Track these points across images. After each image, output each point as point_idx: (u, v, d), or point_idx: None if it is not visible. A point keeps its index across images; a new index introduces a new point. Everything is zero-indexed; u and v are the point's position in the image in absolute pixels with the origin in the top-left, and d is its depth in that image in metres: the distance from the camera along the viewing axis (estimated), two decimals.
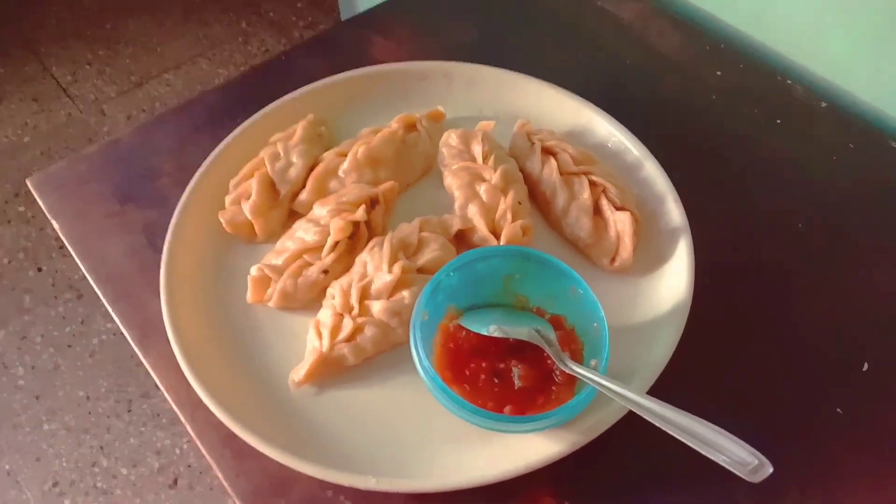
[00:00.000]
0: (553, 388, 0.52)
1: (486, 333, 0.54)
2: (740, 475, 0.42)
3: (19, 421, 1.48)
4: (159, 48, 2.17)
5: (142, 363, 0.62)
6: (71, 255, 0.68)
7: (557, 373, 0.53)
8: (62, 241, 1.80)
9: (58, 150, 1.91)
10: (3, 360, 1.56)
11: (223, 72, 2.11)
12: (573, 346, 0.54)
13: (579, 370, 0.51)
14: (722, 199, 0.69)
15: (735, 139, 0.75)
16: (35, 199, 0.73)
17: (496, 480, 0.50)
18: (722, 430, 0.43)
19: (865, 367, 0.59)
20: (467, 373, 0.53)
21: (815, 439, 0.56)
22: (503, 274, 0.57)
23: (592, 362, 0.52)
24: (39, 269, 1.70)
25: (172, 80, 2.09)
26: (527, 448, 0.52)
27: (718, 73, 0.80)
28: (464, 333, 0.55)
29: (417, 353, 0.52)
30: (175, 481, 1.41)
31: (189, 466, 1.43)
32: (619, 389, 0.48)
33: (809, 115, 0.76)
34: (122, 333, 0.63)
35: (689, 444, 0.44)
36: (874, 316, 0.62)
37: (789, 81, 0.79)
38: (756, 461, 0.41)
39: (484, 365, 0.53)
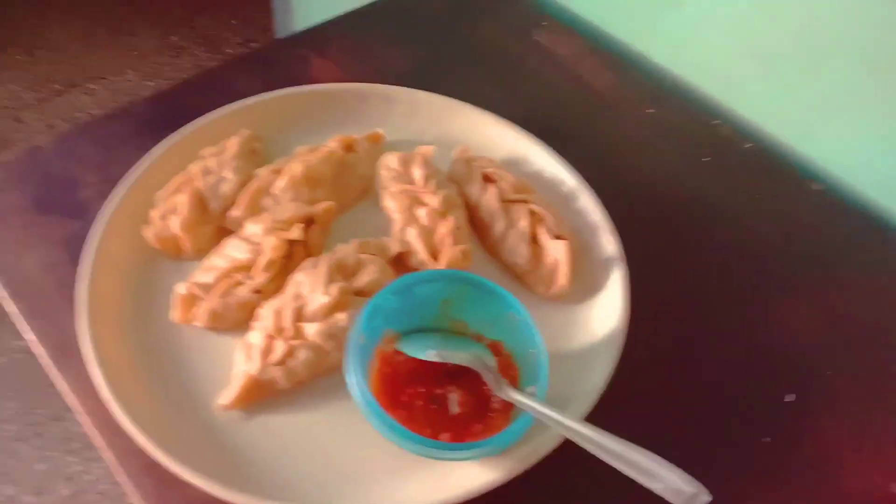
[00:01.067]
0: (490, 414, 0.52)
1: (424, 358, 0.53)
2: None
3: None
4: (85, 57, 2.10)
5: (52, 385, 0.58)
6: None
7: (495, 399, 0.52)
8: None
9: None
10: None
11: (151, 84, 2.05)
12: (510, 372, 0.54)
13: (517, 397, 0.51)
14: (653, 232, 0.70)
15: (666, 175, 0.77)
16: None
17: None
18: (659, 458, 0.44)
19: (793, 397, 0.61)
20: (404, 399, 0.52)
21: (745, 468, 0.57)
22: (442, 298, 0.57)
23: (530, 389, 0.52)
24: None
25: (98, 90, 2.02)
26: (464, 476, 0.51)
27: (650, 110, 0.82)
28: (401, 358, 0.54)
29: (354, 378, 0.51)
30: None
31: (101, 493, 1.36)
32: (556, 416, 0.48)
33: (735, 155, 0.80)
34: (32, 353, 0.60)
35: (625, 472, 0.44)
36: (798, 347, 0.65)
37: (716, 121, 0.82)
38: (693, 490, 0.42)
39: (421, 391, 0.52)
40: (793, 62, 0.77)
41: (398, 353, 0.54)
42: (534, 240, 0.64)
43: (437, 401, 0.52)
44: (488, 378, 0.52)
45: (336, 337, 0.55)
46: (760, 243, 0.72)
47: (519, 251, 0.63)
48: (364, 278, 0.59)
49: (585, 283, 0.63)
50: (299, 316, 0.57)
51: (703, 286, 0.68)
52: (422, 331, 0.57)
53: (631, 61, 0.90)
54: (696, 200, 0.75)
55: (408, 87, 0.75)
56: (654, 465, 0.43)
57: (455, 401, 0.52)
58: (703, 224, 0.73)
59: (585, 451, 0.47)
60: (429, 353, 0.54)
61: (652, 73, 0.88)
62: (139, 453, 0.51)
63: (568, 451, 0.50)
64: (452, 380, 0.53)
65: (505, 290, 0.55)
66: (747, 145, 0.80)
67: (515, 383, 0.54)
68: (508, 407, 0.52)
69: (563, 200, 0.68)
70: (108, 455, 0.54)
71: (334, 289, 0.57)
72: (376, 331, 0.55)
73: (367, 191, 0.69)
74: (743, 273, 0.69)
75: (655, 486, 0.43)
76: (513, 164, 0.71)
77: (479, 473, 0.51)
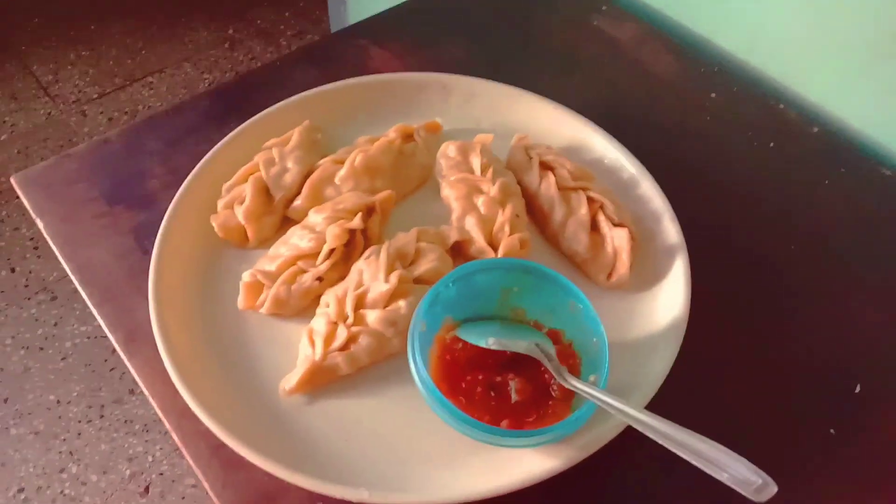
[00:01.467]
0: (550, 402, 0.52)
1: (484, 346, 0.53)
2: (745, 494, 0.42)
3: None
4: (144, 51, 2.15)
5: (115, 368, 0.60)
6: (45, 257, 0.67)
7: (555, 387, 0.52)
8: (37, 242, 1.77)
9: (36, 150, 1.88)
10: None
11: (208, 77, 2.09)
12: (571, 360, 0.54)
13: (579, 385, 0.50)
14: (716, 219, 0.69)
15: (729, 161, 0.75)
16: (9, 199, 0.71)
17: (491, 496, 0.49)
18: (724, 448, 0.43)
19: (858, 388, 0.59)
20: (463, 385, 0.52)
21: (810, 459, 0.56)
22: (501, 286, 0.57)
23: (591, 378, 0.52)
24: (13, 270, 1.66)
25: (156, 83, 2.07)
26: (522, 463, 0.51)
27: (712, 95, 0.81)
28: (460, 345, 0.54)
29: (415, 365, 0.51)
30: (146, 489, 1.38)
31: (161, 474, 1.40)
32: (619, 405, 0.48)
33: (801, 140, 0.77)
34: (95, 337, 0.62)
35: (691, 461, 0.43)
36: (866, 339, 0.63)
37: (782, 106, 0.80)
38: (760, 480, 0.41)
39: (480, 378, 0.52)
40: (864, 43, 0.74)
41: (457, 340, 0.54)
42: (594, 228, 0.63)
43: (497, 388, 0.52)
44: (549, 366, 0.52)
45: (396, 324, 0.56)
46: (829, 232, 0.70)
47: (578, 239, 0.62)
48: (423, 266, 0.59)
49: (646, 272, 0.63)
50: (361, 303, 0.57)
51: (769, 276, 0.67)
52: (481, 319, 0.57)
53: (693, 45, 0.88)
54: (761, 187, 0.73)
55: (466, 75, 0.75)
56: (719, 455, 0.43)
57: (514, 388, 0.52)
58: (769, 211, 0.71)
59: (647, 440, 0.46)
60: (489, 340, 0.54)
61: (714, 57, 0.86)
62: (206, 435, 0.53)
63: (628, 441, 0.50)
64: (512, 368, 0.53)
65: (565, 279, 0.55)
66: (814, 130, 0.78)
67: (576, 372, 0.53)
68: (569, 395, 0.52)
69: (623, 188, 0.68)
70: (175, 437, 0.55)
71: (394, 277, 0.57)
72: (436, 318, 0.55)
73: (426, 180, 0.69)
74: (811, 263, 0.67)
75: (722, 476, 0.42)
76: (572, 152, 0.70)
77: (539, 461, 0.51)
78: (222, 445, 0.52)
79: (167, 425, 0.56)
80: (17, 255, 1.68)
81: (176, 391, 0.54)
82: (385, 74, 0.76)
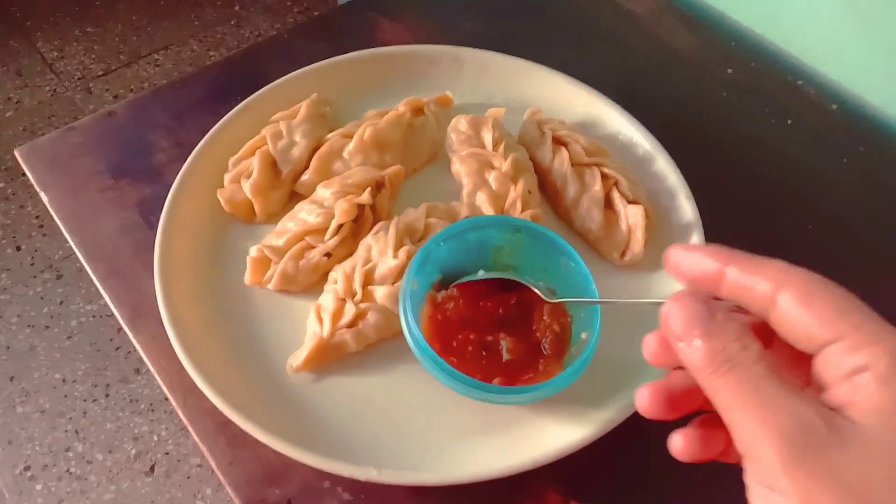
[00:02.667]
0: (541, 360, 0.51)
1: (476, 278, 0.54)
2: None
3: None
4: (150, 28, 2.13)
5: (121, 347, 0.60)
6: (51, 235, 0.66)
7: (546, 346, 0.51)
8: (42, 220, 1.76)
9: (41, 127, 1.87)
10: None
11: (214, 54, 2.07)
12: (562, 318, 0.52)
13: (569, 299, 0.51)
14: (732, 197, 0.68)
15: (746, 138, 0.74)
16: (16, 175, 0.70)
17: (501, 475, 0.49)
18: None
19: None
20: (455, 344, 0.51)
21: None
22: (493, 245, 0.56)
23: (583, 335, 0.51)
24: (18, 248, 1.65)
25: (162, 60, 2.05)
26: (533, 443, 0.50)
27: (729, 70, 0.79)
28: (451, 304, 0.53)
29: (407, 323, 0.50)
30: (152, 468, 1.38)
31: (167, 454, 1.40)
32: (610, 299, 0.49)
33: (820, 117, 0.76)
34: (101, 316, 0.61)
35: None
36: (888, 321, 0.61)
37: (800, 82, 0.78)
38: None
39: (472, 337, 0.51)
40: (886, 19, 0.72)
41: (449, 300, 0.53)
42: (607, 205, 0.62)
43: (489, 347, 0.51)
44: (539, 289, 0.52)
45: None
46: (848, 211, 0.68)
47: (592, 216, 0.61)
48: None
49: (661, 250, 0.60)
50: (369, 279, 0.56)
51: (786, 256, 0.65)
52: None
53: (710, 20, 0.86)
54: (779, 165, 0.72)
55: (478, 48, 0.73)
56: None
57: (506, 347, 0.51)
58: (786, 190, 0.70)
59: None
60: (479, 272, 0.54)
61: (732, 32, 0.84)
62: (212, 412, 0.52)
63: (642, 423, 0.49)
64: (503, 327, 0.52)
65: (557, 237, 0.54)
66: (833, 107, 0.76)
67: (567, 330, 0.53)
68: (560, 353, 0.51)
69: (638, 164, 0.66)
70: (181, 414, 0.55)
71: (402, 253, 0.56)
72: (428, 277, 0.54)
73: (437, 154, 0.68)
74: (829, 243, 0.66)
75: None
76: (586, 127, 0.69)
77: (550, 441, 0.50)
78: (228, 423, 0.51)
79: (173, 402, 0.55)
80: (23, 232, 1.67)
81: (182, 368, 0.53)
82: (395, 47, 0.74)
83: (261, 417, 0.51)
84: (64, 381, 1.48)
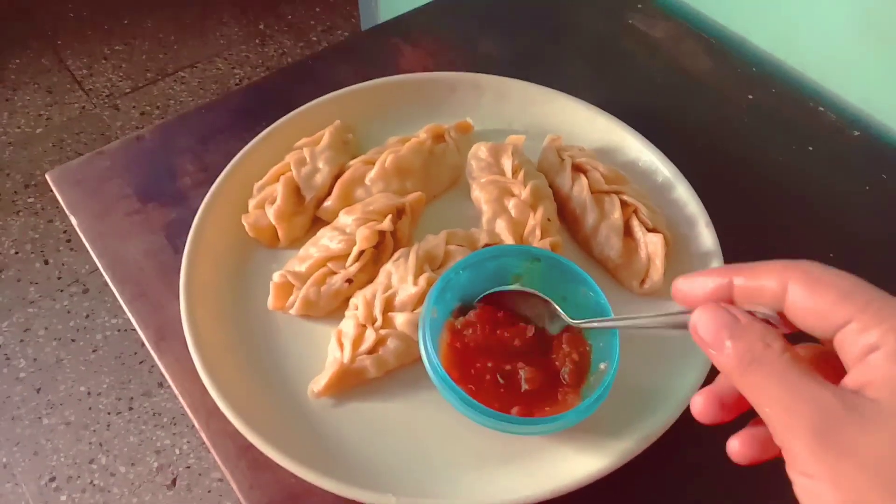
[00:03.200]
0: (560, 390, 0.51)
1: (502, 289, 0.54)
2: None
3: (19, 414, 1.47)
4: (176, 45, 2.17)
5: (145, 361, 0.61)
6: (78, 249, 0.68)
7: (565, 375, 0.51)
8: (70, 235, 1.80)
9: (70, 143, 1.91)
10: (5, 352, 1.55)
11: (239, 72, 2.11)
12: (581, 348, 0.53)
13: (592, 324, 0.50)
14: (752, 225, 0.68)
15: (766, 165, 0.74)
16: (44, 191, 0.72)
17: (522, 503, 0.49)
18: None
19: None
20: (473, 372, 0.51)
21: None
22: (512, 273, 0.56)
23: (601, 365, 0.51)
24: (46, 262, 1.69)
25: (188, 77, 2.08)
26: (553, 472, 0.50)
27: (750, 96, 0.79)
28: (470, 332, 0.53)
29: (426, 351, 0.50)
30: (174, 482, 1.40)
31: (188, 467, 1.41)
32: (629, 321, 0.47)
33: (841, 144, 0.75)
34: (126, 330, 0.63)
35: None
36: None
37: (821, 108, 0.78)
38: None
39: (490, 365, 0.51)
40: None
41: (468, 326, 0.53)
42: (627, 232, 0.62)
43: (507, 376, 0.51)
44: (561, 309, 0.53)
45: None
46: (871, 242, 0.68)
47: (611, 244, 0.61)
48: None
49: None
50: (389, 306, 0.57)
51: None
52: None
53: (730, 45, 0.86)
54: (800, 193, 0.71)
55: (497, 71, 0.74)
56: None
57: (525, 377, 0.51)
58: (808, 218, 0.70)
59: (677, 450, 0.45)
60: (515, 285, 0.55)
61: (752, 57, 0.84)
62: (234, 435, 0.53)
63: (663, 452, 0.49)
64: (522, 356, 0.52)
65: (577, 266, 0.55)
66: (855, 133, 0.76)
67: (586, 359, 0.53)
68: (579, 383, 0.51)
69: (657, 191, 0.66)
70: (203, 436, 0.56)
71: (423, 280, 0.57)
72: (447, 305, 0.54)
73: (457, 181, 0.69)
74: (852, 270, 0.65)
75: None
76: (605, 154, 0.69)
77: (570, 470, 0.50)
78: (250, 446, 0.52)
79: (196, 424, 0.56)
80: (51, 247, 1.71)
81: (205, 390, 0.54)
82: (416, 74, 0.75)
83: (282, 442, 0.52)
84: (89, 393, 1.50)
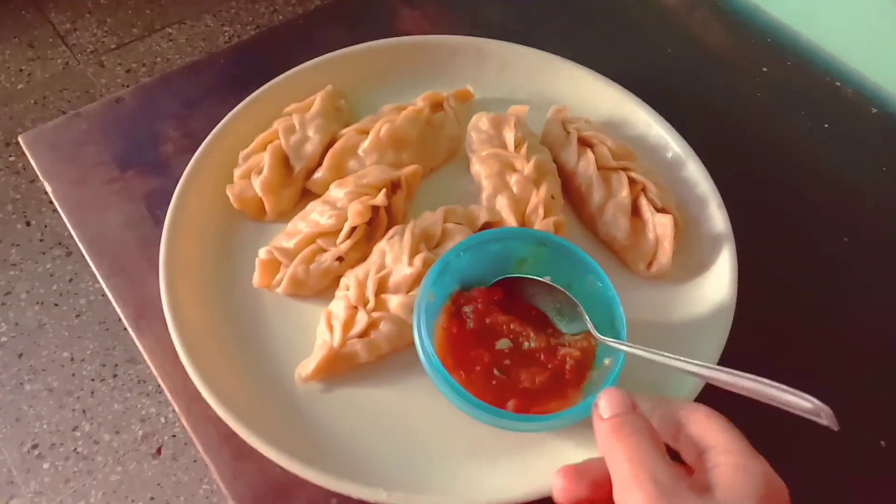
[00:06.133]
0: (560, 386, 0.48)
1: (512, 275, 0.52)
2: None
3: (0, 379, 1.44)
4: (163, 1, 2.10)
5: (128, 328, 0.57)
6: (49, 193, 0.64)
7: (567, 370, 0.49)
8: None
9: (53, 101, 1.84)
10: None
11: (228, 30, 2.04)
12: (584, 342, 0.50)
13: (614, 343, 0.47)
14: (764, 205, 0.64)
15: (780, 141, 0.70)
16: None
17: (519, 501, 0.46)
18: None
19: None
20: (468, 361, 0.48)
21: (858, 470, 0.52)
22: (515, 257, 0.53)
23: (606, 361, 0.48)
24: (28, 223, 1.64)
25: (175, 34, 2.02)
26: (551, 468, 0.47)
27: (764, 69, 0.75)
28: (468, 318, 0.50)
29: (420, 337, 0.47)
30: (158, 451, 1.37)
31: (174, 436, 1.39)
32: (643, 353, 0.45)
33: (859, 121, 0.72)
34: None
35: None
36: None
37: (838, 83, 0.74)
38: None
39: (487, 355, 0.48)
40: None
41: (466, 314, 0.50)
42: (634, 212, 0.59)
43: (504, 368, 0.48)
44: (588, 322, 0.50)
45: None
46: (885, 224, 0.65)
47: (618, 224, 0.58)
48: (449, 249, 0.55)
49: (690, 261, 0.58)
50: (382, 287, 0.54)
51: (822, 269, 0.62)
52: None
53: (744, 14, 0.82)
54: (814, 172, 0.68)
55: (500, 38, 0.70)
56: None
57: (524, 370, 0.48)
58: (822, 199, 0.66)
59: None
60: (546, 277, 0.52)
61: (767, 29, 0.80)
62: (217, 422, 0.50)
63: None
64: (522, 346, 0.49)
65: (584, 254, 0.52)
66: (873, 111, 0.73)
67: (591, 353, 0.50)
68: (580, 379, 0.49)
69: (666, 168, 0.63)
70: (185, 422, 0.53)
71: (418, 260, 0.53)
72: (445, 288, 0.51)
73: (455, 153, 0.65)
74: (868, 256, 0.63)
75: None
76: (612, 127, 0.66)
77: (569, 463, 0.47)
78: (234, 434, 0.49)
79: (176, 409, 0.53)
80: (33, 208, 1.66)
81: (186, 374, 0.51)
82: (415, 37, 0.71)
83: (267, 430, 0.49)
84: (72, 359, 1.47)
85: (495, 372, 0.48)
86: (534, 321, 0.51)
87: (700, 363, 0.43)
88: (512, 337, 0.50)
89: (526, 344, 0.50)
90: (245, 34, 2.02)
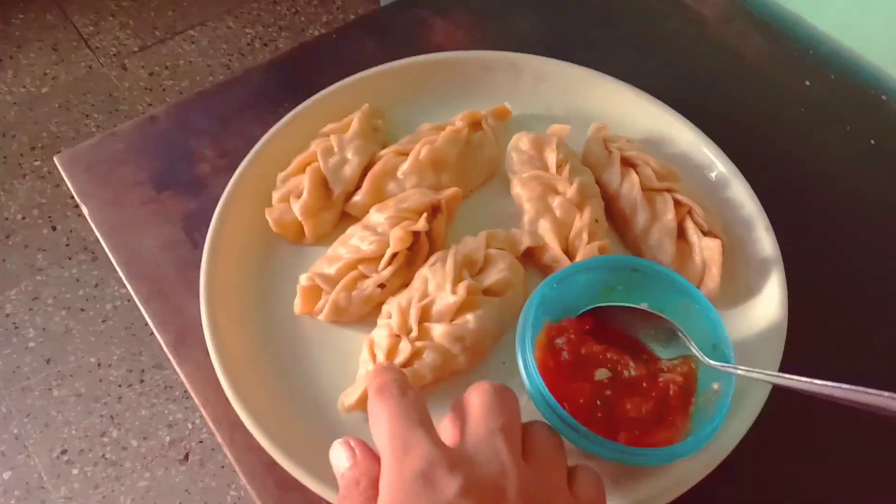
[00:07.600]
0: (666, 412, 0.47)
1: (637, 305, 0.50)
2: None
3: (29, 384, 1.45)
4: (185, 3, 2.10)
5: (155, 333, 0.57)
6: (87, 215, 0.63)
7: (671, 394, 0.47)
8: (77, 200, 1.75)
9: (77, 104, 1.85)
10: (13, 320, 1.52)
11: (250, 31, 2.04)
12: (684, 367, 0.49)
13: (726, 367, 0.46)
14: (810, 227, 0.63)
15: (824, 160, 0.68)
16: (51, 154, 0.69)
17: None
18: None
19: None
20: (569, 395, 0.47)
21: None
22: (604, 285, 0.52)
23: (714, 385, 0.47)
24: (54, 228, 1.65)
25: (198, 36, 2.02)
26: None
27: (807, 83, 0.73)
28: (565, 350, 0.49)
29: (533, 380, 0.45)
30: (186, 456, 1.38)
31: (201, 442, 1.40)
32: (760, 376, 0.44)
33: None
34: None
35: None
36: None
37: (884, 97, 0.72)
38: None
39: (587, 388, 0.47)
40: None
41: (559, 346, 0.49)
42: (680, 235, 0.58)
43: (605, 399, 0.47)
44: (686, 341, 0.49)
45: (463, 339, 0.52)
46: None
47: (664, 248, 0.57)
48: (493, 276, 0.54)
49: (737, 286, 0.57)
50: (426, 316, 0.53)
51: (873, 293, 0.61)
52: None
53: (785, 25, 0.80)
54: (860, 192, 0.66)
55: (534, 50, 0.69)
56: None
57: (628, 400, 0.47)
58: (871, 220, 0.65)
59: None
60: (642, 304, 0.50)
61: (809, 40, 0.78)
62: (259, 451, 0.49)
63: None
64: (621, 376, 0.48)
65: (680, 277, 0.51)
66: None
67: (693, 378, 0.49)
68: (685, 406, 0.47)
69: (710, 189, 0.62)
70: (228, 452, 0.52)
71: (462, 288, 0.52)
72: (538, 322, 0.50)
73: (494, 173, 0.64)
74: None
75: None
76: (652, 145, 0.64)
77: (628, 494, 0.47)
78: (278, 462, 0.48)
79: (219, 438, 0.53)
80: (59, 213, 1.67)
81: (228, 402, 0.50)
82: (449, 53, 0.70)
83: (310, 461, 0.48)
84: (99, 365, 1.48)
85: (598, 403, 0.47)
86: (629, 349, 0.50)
87: (823, 382, 0.41)
88: (610, 366, 0.49)
89: (626, 373, 0.49)
90: (267, 36, 2.01)
